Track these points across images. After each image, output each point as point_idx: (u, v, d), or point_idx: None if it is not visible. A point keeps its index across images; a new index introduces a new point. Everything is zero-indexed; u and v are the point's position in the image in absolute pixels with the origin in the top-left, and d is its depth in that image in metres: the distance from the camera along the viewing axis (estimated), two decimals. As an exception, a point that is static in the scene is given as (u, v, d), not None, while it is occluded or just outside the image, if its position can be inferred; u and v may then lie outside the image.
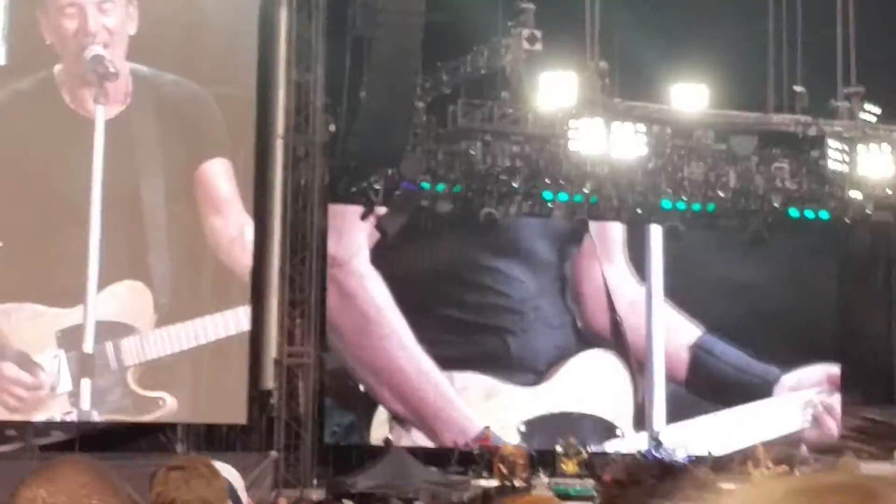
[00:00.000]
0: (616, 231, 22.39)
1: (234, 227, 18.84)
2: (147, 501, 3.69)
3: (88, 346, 18.07)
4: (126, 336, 18.22)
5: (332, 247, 20.41)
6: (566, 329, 22.33)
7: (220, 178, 18.87)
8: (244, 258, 18.68)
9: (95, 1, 18.50)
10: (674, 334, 22.46)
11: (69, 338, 18.20)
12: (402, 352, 21.37)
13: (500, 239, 21.83)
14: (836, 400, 22.63)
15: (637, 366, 22.43)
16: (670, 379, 22.21)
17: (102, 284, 18.15)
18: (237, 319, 18.45)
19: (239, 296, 18.63)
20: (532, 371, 21.80)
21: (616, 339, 22.47)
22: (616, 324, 22.49)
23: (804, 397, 22.49)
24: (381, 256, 21.21)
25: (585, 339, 22.38)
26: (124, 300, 18.30)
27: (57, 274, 18.32)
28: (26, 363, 17.93)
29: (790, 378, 22.88)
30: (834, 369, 23.23)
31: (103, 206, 18.23)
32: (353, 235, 20.85)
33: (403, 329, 21.33)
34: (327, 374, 20.75)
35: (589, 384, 21.63)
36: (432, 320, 21.45)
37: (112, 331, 18.31)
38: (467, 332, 21.68)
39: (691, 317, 22.59)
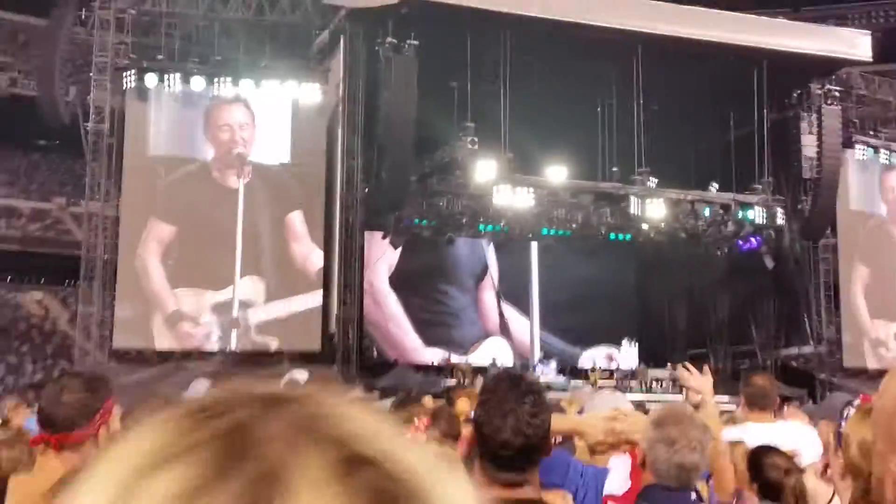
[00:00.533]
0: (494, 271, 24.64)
1: (306, 250, 20.19)
2: None
3: (235, 312, 19.57)
4: (252, 307, 19.72)
5: (368, 255, 21.62)
6: (478, 325, 24.78)
7: (298, 221, 20.28)
8: (314, 267, 20.02)
9: (240, 124, 19.82)
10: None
11: (219, 308, 19.55)
12: (407, 336, 23.57)
13: (448, 274, 24.08)
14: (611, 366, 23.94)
15: (517, 348, 24.55)
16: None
17: (240, 277, 19.61)
18: (314, 299, 19.87)
19: (315, 286, 19.92)
20: (463, 348, 23.92)
21: (503, 332, 24.74)
22: (504, 325, 24.74)
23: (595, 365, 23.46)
24: (394, 281, 23.43)
25: (487, 332, 24.85)
26: (251, 287, 19.71)
27: (215, 273, 19.62)
28: (194, 323, 19.66)
29: (587, 354, 24.53)
30: (611, 350, 24.65)
31: (242, 236, 19.65)
32: (378, 248, 22.36)
33: (407, 324, 23.58)
34: (366, 350, 21.12)
35: (491, 356, 23.20)
36: (416, 319, 23.75)
37: (245, 304, 19.65)
38: (432, 325, 23.95)
39: (545, 310, 24.43)
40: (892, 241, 24.81)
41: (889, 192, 25.11)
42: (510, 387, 2.24)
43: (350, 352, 19.34)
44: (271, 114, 19.87)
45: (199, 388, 5.24)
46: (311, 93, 19.89)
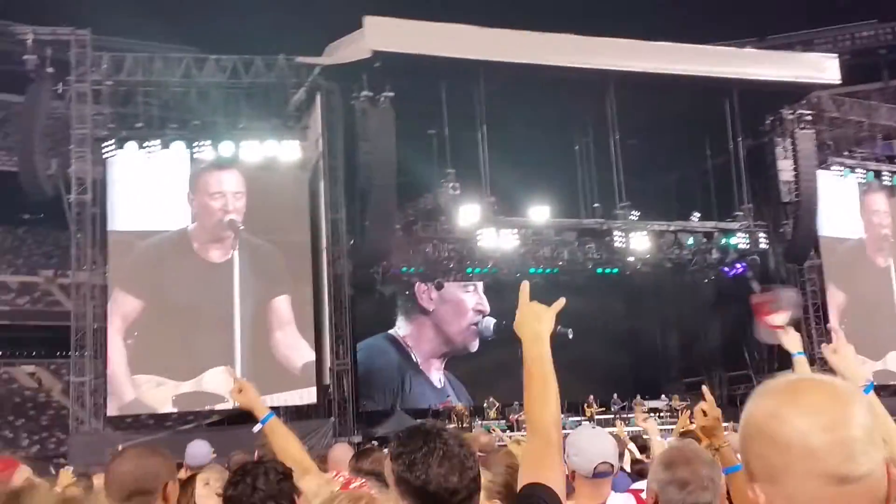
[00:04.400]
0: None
1: (291, 340, 19.19)
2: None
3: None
4: (223, 404, 18.27)
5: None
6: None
7: (285, 307, 19.22)
8: (299, 361, 18.97)
9: (233, 192, 19.25)
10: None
11: (183, 401, 18.59)
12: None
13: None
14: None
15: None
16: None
17: (213, 367, 18.31)
18: (298, 396, 19.08)
19: (298, 382, 18.88)
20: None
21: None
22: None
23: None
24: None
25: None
26: (221, 381, 18.25)
27: (181, 359, 18.43)
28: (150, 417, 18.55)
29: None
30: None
31: (221, 319, 18.71)
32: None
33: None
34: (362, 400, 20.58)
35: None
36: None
37: (213, 399, 18.46)
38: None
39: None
40: (874, 267, 24.47)
41: (872, 215, 24.88)
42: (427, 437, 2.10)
43: (346, 402, 19.29)
44: (256, 176, 19.45)
45: (197, 450, 5.19)
46: (290, 150, 19.81)
